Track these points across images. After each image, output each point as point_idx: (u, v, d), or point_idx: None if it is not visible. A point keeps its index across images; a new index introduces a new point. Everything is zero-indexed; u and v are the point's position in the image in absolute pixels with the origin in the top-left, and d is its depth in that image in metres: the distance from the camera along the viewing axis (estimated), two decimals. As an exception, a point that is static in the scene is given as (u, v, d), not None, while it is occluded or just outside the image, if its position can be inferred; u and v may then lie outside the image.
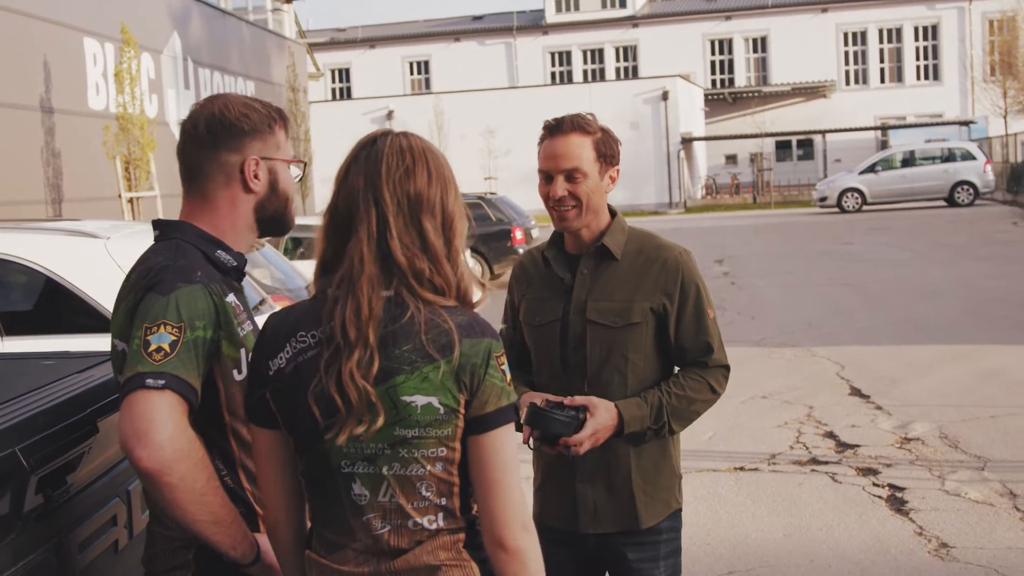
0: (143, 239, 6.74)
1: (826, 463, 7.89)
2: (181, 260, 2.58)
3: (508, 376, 2.31)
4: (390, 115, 51.14)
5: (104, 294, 6.10)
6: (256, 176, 2.71)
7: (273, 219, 2.80)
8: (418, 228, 2.29)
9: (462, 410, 2.26)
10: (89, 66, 20.79)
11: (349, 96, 64.05)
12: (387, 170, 2.30)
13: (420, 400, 2.23)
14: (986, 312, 14.56)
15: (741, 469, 7.86)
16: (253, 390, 2.39)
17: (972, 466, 7.61)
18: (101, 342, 5.75)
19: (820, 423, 9.04)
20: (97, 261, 6.21)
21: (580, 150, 3.33)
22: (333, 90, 66.05)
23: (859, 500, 7.05)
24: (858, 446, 8.29)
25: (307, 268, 10.32)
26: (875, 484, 7.35)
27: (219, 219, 2.72)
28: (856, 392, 10.14)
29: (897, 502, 6.98)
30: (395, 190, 2.29)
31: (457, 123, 48.11)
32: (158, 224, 2.76)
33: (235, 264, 2.74)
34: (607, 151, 3.38)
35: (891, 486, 7.29)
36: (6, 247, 6.32)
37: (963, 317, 14.31)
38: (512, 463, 2.29)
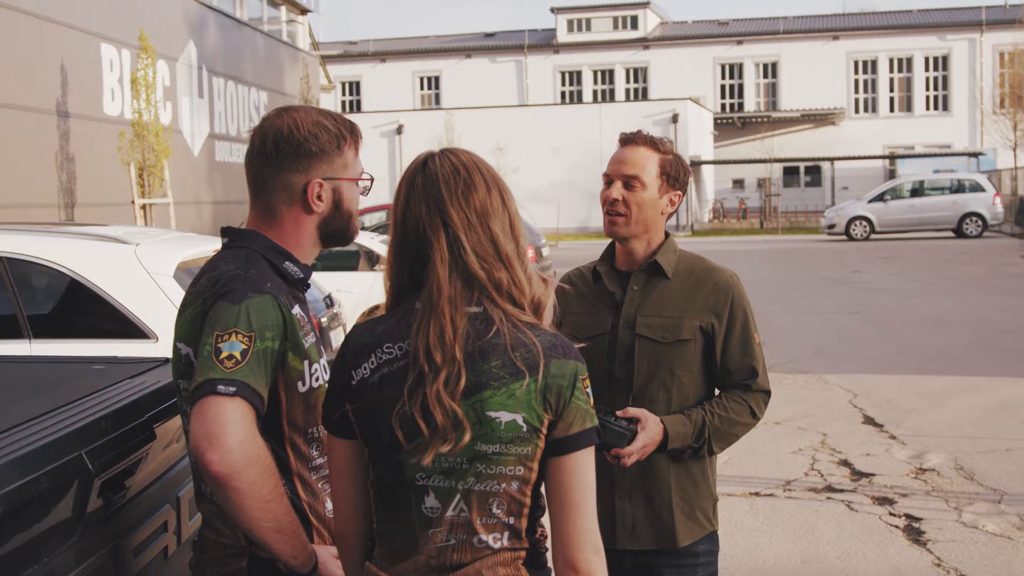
0: (172, 246, 6.80)
1: (842, 491, 7.89)
2: (252, 270, 2.60)
3: (592, 399, 2.32)
4: (400, 129, 51.23)
5: (132, 299, 6.12)
6: (319, 197, 2.72)
7: (336, 234, 2.81)
8: (489, 236, 2.31)
9: (544, 430, 2.26)
10: (105, 72, 20.88)
11: (359, 109, 64.19)
12: (448, 190, 2.32)
13: (505, 416, 2.23)
14: (997, 344, 14.55)
15: (756, 495, 7.85)
16: (334, 400, 2.39)
17: (989, 499, 7.60)
18: (127, 347, 5.79)
19: (834, 450, 9.04)
20: (126, 267, 6.23)
21: (645, 161, 3.41)
22: (344, 103, 66.21)
23: (876, 529, 7.04)
24: (873, 475, 8.28)
25: (324, 280, 10.33)
26: (891, 514, 7.34)
27: (284, 234, 2.74)
28: (869, 420, 10.14)
29: (914, 532, 6.97)
30: (460, 207, 2.31)
31: (467, 139, 48.17)
32: (227, 232, 2.77)
33: (302, 276, 2.76)
34: (673, 173, 3.45)
35: (908, 516, 7.28)
36: (35, 250, 6.34)
37: (974, 349, 14.31)
38: (590, 487, 2.29)
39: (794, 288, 22.62)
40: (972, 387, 11.61)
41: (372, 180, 2.85)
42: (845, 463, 8.65)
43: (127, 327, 6.03)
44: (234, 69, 27.52)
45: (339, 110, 62.93)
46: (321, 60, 38.65)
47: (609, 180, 3.45)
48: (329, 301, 9.26)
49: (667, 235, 3.53)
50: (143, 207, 19.78)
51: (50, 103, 19.01)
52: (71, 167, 19.64)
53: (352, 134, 2.79)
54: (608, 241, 3.58)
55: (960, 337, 15.28)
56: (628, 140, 3.47)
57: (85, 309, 6.30)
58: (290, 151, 2.68)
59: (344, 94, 66.59)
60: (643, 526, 3.43)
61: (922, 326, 16.47)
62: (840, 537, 6.90)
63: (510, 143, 48.17)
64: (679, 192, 3.48)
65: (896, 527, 7.08)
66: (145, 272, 6.10)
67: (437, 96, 65.64)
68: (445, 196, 2.32)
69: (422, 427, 2.24)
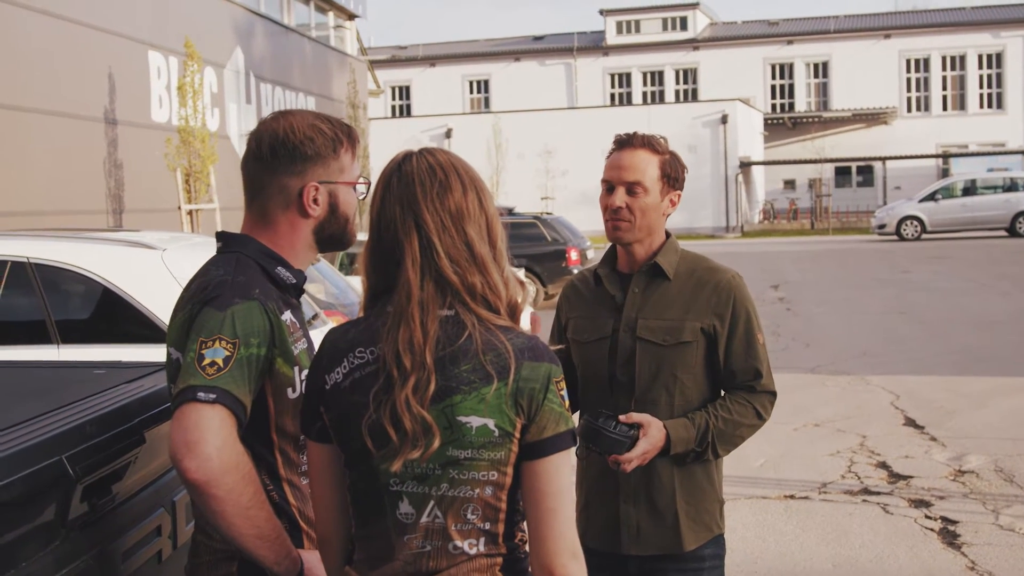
0: (200, 251, 6.82)
1: (878, 493, 7.80)
2: (240, 276, 2.59)
3: (567, 402, 2.28)
4: (449, 133, 51.36)
5: (159, 305, 6.15)
6: (315, 201, 2.70)
7: (332, 238, 2.79)
8: (464, 239, 2.28)
9: (517, 435, 2.23)
10: (153, 79, 21.09)
11: (409, 114, 64.45)
12: (423, 191, 2.29)
13: (476, 421, 2.20)
14: (1046, 345, 14.36)
15: (791, 497, 7.78)
16: (309, 404, 2.38)
17: (1027, 501, 7.49)
18: (155, 352, 5.81)
19: (873, 453, 8.94)
20: (153, 272, 6.26)
21: (646, 165, 3.37)
22: (393, 107, 66.46)
23: (910, 532, 6.96)
24: (911, 477, 8.19)
25: (356, 283, 10.37)
26: (927, 516, 7.25)
27: (278, 238, 2.73)
28: (910, 422, 10.02)
29: (949, 535, 6.88)
30: (435, 209, 2.28)
31: (515, 142, 48.21)
32: (221, 236, 2.77)
33: (294, 281, 2.75)
34: (672, 173, 3.41)
35: (944, 519, 7.18)
36: (64, 256, 6.39)
37: (1020, 349, 14.10)
38: (566, 491, 2.26)
39: (842, 289, 22.43)
40: (1017, 388, 11.46)
41: (369, 184, 2.83)
42: (883, 465, 8.56)
43: (154, 332, 6.06)
44: (282, 75, 27.70)
45: (388, 115, 63.22)
46: (369, 65, 38.82)
47: (610, 186, 3.40)
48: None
49: (668, 235, 3.49)
50: (189, 213, 19.94)
51: (98, 111, 19.23)
52: (119, 174, 19.85)
53: (349, 138, 2.77)
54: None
55: (1007, 338, 15.08)
56: (625, 143, 3.42)
57: (112, 314, 6.34)
58: (285, 154, 2.67)
59: (394, 98, 66.83)
60: (648, 531, 3.40)
61: (969, 327, 16.28)
62: (873, 540, 6.82)
63: (559, 146, 48.15)
64: (679, 192, 3.45)
65: (931, 530, 6.99)
66: (172, 277, 6.12)
67: (486, 100, 65.74)
68: (419, 197, 2.28)
69: (391, 433, 2.22)
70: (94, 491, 2.64)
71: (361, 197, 2.84)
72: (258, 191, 2.72)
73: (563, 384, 2.29)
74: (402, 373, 2.21)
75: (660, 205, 3.40)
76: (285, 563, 2.51)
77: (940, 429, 9.68)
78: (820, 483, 8.11)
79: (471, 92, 66.49)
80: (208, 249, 6.95)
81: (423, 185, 2.30)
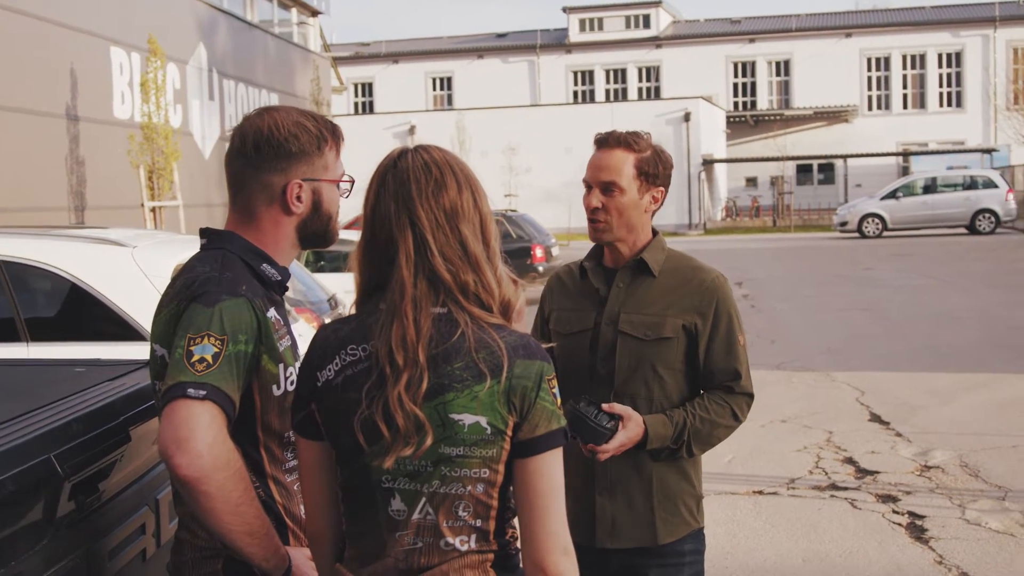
0: (170, 248, 6.80)
1: (845, 489, 7.86)
2: (227, 272, 2.58)
3: (559, 400, 2.30)
4: (412, 130, 51.27)
5: (129, 302, 6.13)
6: (299, 198, 2.70)
7: (315, 236, 2.79)
8: (458, 237, 2.29)
9: (509, 432, 2.24)
10: (115, 75, 20.94)
11: (372, 111, 64.29)
12: (418, 189, 2.29)
13: (468, 419, 2.21)
14: (1008, 341, 14.47)
15: (760, 493, 7.83)
16: (300, 402, 2.38)
17: (993, 496, 7.56)
18: (125, 350, 5.80)
19: (839, 448, 9.01)
20: (123, 269, 6.23)
21: (621, 165, 3.37)
22: (356, 104, 66.28)
23: (879, 527, 7.02)
24: (877, 473, 8.25)
25: (328, 281, 10.34)
26: (895, 511, 7.31)
27: (262, 235, 2.72)
28: (876, 418, 10.10)
29: (917, 530, 6.94)
30: (429, 207, 2.28)
31: (479, 140, 48.17)
32: (205, 232, 2.76)
33: (279, 278, 2.74)
34: (650, 170, 3.40)
35: (911, 514, 7.25)
36: (33, 253, 6.35)
37: (984, 346, 14.24)
38: (558, 488, 2.27)
39: (805, 286, 22.57)
40: (981, 384, 11.56)
41: (353, 182, 2.82)
42: (850, 461, 8.62)
43: (125, 330, 6.04)
44: (245, 71, 27.57)
45: (351, 112, 63.03)
46: (332, 62, 38.69)
47: (588, 186, 3.42)
48: (333, 302, 9.28)
49: (656, 233, 3.51)
50: (153, 210, 19.82)
51: (60, 107, 19.08)
52: (81, 170, 19.70)
53: (334, 136, 2.77)
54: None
55: (970, 334, 15.22)
56: (602, 143, 3.43)
57: (83, 312, 6.30)
58: (270, 151, 2.66)
59: (356, 95, 66.65)
60: (623, 524, 3.42)
61: (932, 323, 16.42)
62: (842, 535, 6.88)
63: (522, 143, 48.14)
64: (661, 188, 3.44)
65: (899, 525, 7.05)
66: (143, 275, 6.10)
67: (449, 97, 65.68)
68: (415, 195, 2.29)
69: (383, 430, 2.22)
70: (81, 489, 2.63)
71: (344, 196, 2.84)
72: (241, 187, 2.72)
73: (555, 382, 2.30)
74: (395, 370, 2.22)
75: (639, 203, 3.40)
76: (273, 560, 2.51)
77: (905, 425, 9.76)
78: (788, 479, 8.16)
79: (434, 89, 66.41)
80: (178, 246, 6.95)
81: (418, 182, 2.30)
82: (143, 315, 6.09)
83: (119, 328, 6.08)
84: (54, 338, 6.30)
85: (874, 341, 15.02)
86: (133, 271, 6.18)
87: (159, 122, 20.07)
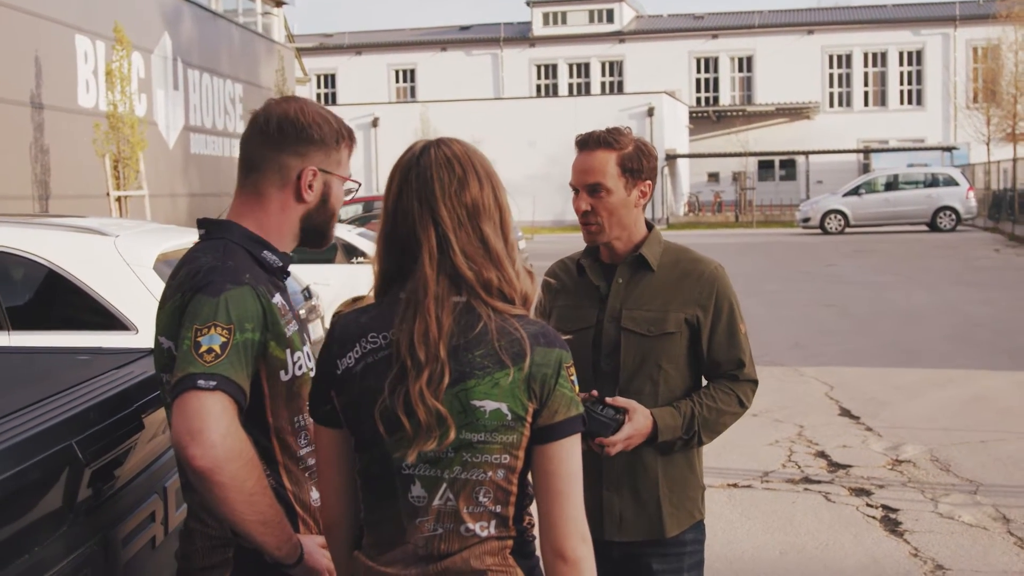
0: (152, 238, 6.78)
1: (819, 482, 7.94)
2: (229, 261, 2.59)
3: (577, 387, 2.33)
4: (375, 122, 51.15)
5: (111, 291, 6.11)
6: (311, 186, 2.72)
7: (316, 230, 2.81)
8: (479, 235, 2.31)
9: (529, 419, 2.26)
10: (80, 63, 20.76)
11: (334, 102, 63.98)
12: (441, 187, 2.31)
13: (489, 405, 2.24)
14: (971, 338, 14.64)
15: (734, 486, 7.89)
16: (320, 389, 2.39)
17: (964, 490, 7.66)
18: (107, 339, 5.77)
19: (811, 442, 9.09)
20: (105, 258, 6.21)
21: (604, 166, 3.36)
22: (319, 95, 65.97)
23: (853, 520, 7.09)
24: (850, 466, 8.33)
25: (301, 272, 10.30)
26: (868, 505, 7.39)
27: (267, 218, 2.73)
28: (846, 413, 10.20)
29: (891, 523, 7.02)
30: (452, 206, 2.30)
31: (442, 132, 47.16)
32: (204, 223, 2.77)
33: (281, 264, 2.75)
34: (633, 166, 3.39)
35: (885, 507, 7.33)
36: (14, 241, 6.31)
37: (948, 342, 14.40)
38: (577, 474, 2.30)
39: (770, 281, 22.68)
40: (947, 380, 11.69)
41: (359, 185, 2.87)
42: (822, 455, 8.70)
43: (107, 319, 6.02)
44: (209, 61, 27.41)
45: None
46: (296, 52, 38.54)
47: (576, 190, 3.42)
48: (307, 293, 9.26)
49: (651, 227, 3.53)
50: (118, 199, 19.68)
51: (24, 95, 18.90)
52: (45, 159, 19.52)
53: (349, 137, 2.82)
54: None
55: (934, 331, 15.37)
56: (583, 144, 3.42)
57: (65, 301, 6.28)
58: (293, 133, 2.69)
59: (320, 87, 66.35)
60: (631, 518, 3.43)
61: (897, 319, 16.57)
62: (818, 528, 6.95)
63: (486, 136, 47.77)
64: (648, 181, 3.43)
65: (873, 518, 7.12)
66: (125, 264, 6.08)
67: (412, 89, 65.52)
68: (437, 193, 2.30)
69: (405, 424, 2.25)
70: (99, 476, 2.64)
71: (348, 196, 2.87)
72: (254, 168, 2.73)
73: (573, 369, 2.33)
74: (416, 365, 2.24)
75: (628, 200, 3.40)
76: (286, 547, 2.52)
77: (875, 420, 9.86)
78: (761, 472, 8.23)
79: (397, 81, 66.22)
80: (159, 236, 6.93)
81: (441, 181, 2.32)
82: (125, 304, 6.08)
83: (101, 317, 6.06)
84: (35, 327, 6.27)
85: (840, 337, 15.15)
86: (115, 260, 6.16)
87: (124, 111, 19.93)
